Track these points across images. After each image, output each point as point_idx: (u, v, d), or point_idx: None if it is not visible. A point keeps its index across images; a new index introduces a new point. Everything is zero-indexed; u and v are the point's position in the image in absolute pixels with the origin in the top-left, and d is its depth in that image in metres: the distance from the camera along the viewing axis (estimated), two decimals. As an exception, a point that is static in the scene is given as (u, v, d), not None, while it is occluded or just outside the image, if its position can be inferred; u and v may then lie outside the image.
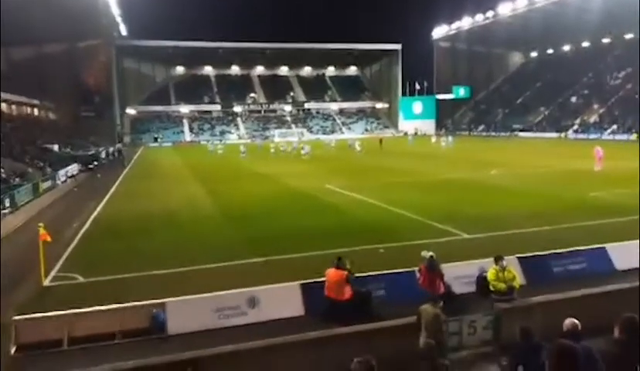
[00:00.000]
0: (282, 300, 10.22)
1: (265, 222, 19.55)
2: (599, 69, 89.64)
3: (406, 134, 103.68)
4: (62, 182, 36.02)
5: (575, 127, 78.58)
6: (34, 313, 9.69)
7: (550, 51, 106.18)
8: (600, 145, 34.13)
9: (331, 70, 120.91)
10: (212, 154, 59.89)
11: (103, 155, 57.96)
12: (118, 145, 75.54)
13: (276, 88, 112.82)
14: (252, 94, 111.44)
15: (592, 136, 69.71)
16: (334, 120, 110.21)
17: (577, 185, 25.47)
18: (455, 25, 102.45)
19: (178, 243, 16.76)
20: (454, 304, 9.93)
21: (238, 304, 9.91)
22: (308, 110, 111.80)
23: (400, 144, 68.57)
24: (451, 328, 8.35)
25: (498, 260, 9.87)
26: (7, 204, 23.43)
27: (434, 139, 64.68)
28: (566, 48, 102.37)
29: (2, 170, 30.34)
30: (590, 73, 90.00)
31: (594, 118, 78.45)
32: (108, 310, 9.71)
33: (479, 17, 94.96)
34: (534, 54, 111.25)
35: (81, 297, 11.19)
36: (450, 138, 65.68)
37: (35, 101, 69.39)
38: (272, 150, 57.51)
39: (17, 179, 29.65)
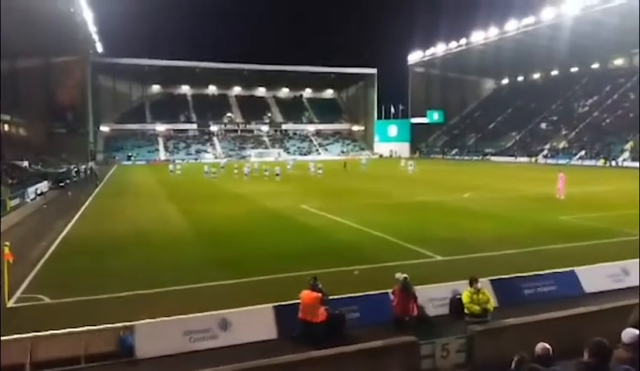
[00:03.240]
0: (254, 322, 10.06)
1: (238, 243, 19.36)
2: (567, 96, 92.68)
3: (381, 156, 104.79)
4: (32, 200, 35.10)
5: (545, 152, 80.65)
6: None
7: (521, 78, 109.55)
8: (567, 170, 34.96)
9: (308, 92, 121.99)
10: (173, 176, 55.71)
11: (74, 173, 56.72)
12: (91, 163, 74.19)
13: (253, 108, 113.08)
14: (229, 114, 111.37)
15: (561, 161, 71.59)
16: (311, 141, 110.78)
17: (547, 209, 26.02)
18: (430, 51, 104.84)
19: (149, 263, 16.42)
20: (427, 326, 9.98)
21: (209, 327, 9.72)
22: (285, 130, 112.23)
23: (369, 167, 68.95)
24: (424, 351, 8.35)
25: (472, 282, 9.94)
26: (-29, 222, 22.64)
27: (402, 163, 62.92)
28: (536, 76, 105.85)
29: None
30: (559, 100, 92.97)
31: (563, 144, 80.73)
32: (74, 332, 9.38)
33: (453, 44, 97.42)
34: (505, 81, 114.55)
35: (47, 319, 10.84)
36: (412, 163, 60.80)
37: (6, 116, 67.81)
38: (235, 172, 55.21)
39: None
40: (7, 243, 12.59)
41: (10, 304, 12.35)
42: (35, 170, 48.39)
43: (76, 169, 59.57)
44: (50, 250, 18.56)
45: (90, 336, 9.35)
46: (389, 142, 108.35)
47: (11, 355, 8.88)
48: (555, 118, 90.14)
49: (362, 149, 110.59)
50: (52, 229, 23.06)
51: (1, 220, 23.99)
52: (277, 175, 48.78)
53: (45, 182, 42.03)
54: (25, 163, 49.29)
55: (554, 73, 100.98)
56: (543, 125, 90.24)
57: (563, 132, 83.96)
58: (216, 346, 9.55)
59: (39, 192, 38.02)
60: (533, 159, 78.28)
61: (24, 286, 13.84)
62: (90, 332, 9.45)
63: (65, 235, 21.73)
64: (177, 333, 9.54)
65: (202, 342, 9.57)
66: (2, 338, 9.21)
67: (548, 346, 5.96)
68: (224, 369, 7.46)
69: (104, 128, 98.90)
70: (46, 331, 9.46)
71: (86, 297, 12.74)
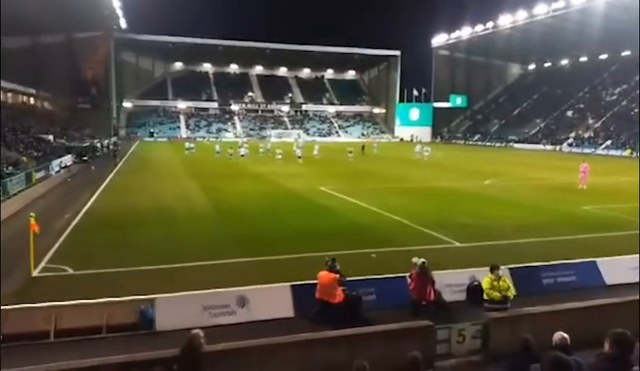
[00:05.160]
0: (272, 300, 10.20)
1: (256, 221, 19.53)
2: (595, 84, 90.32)
3: (401, 139, 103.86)
4: (56, 173, 35.78)
5: (570, 140, 79.07)
6: (21, 303, 9.63)
7: (548, 64, 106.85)
8: (592, 160, 34.24)
9: (330, 73, 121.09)
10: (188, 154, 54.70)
11: (98, 148, 57.56)
12: (114, 138, 75.23)
13: (274, 88, 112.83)
14: (250, 93, 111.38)
15: (586, 150, 70.16)
16: (331, 122, 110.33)
17: (570, 199, 25.60)
18: (455, 34, 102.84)
19: (170, 238, 16.70)
20: (443, 311, 9.98)
21: (227, 303, 9.88)
22: (306, 111, 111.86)
23: (387, 150, 68.26)
24: (440, 335, 8.37)
25: (493, 269, 9.87)
26: (0, 192, 23.23)
27: (417, 148, 59.29)
28: (564, 62, 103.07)
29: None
30: (587, 87, 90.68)
31: (588, 133, 78.99)
32: (96, 303, 9.64)
33: (479, 27, 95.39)
34: (532, 66, 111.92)
35: (70, 289, 11.13)
36: (427, 149, 57.23)
37: (32, 90, 68.93)
38: (261, 150, 55.08)
39: (10, 168, 29.41)
40: (32, 214, 12.90)
41: (35, 273, 12.71)
42: (59, 144, 49.18)
43: (99, 144, 60.46)
44: (74, 223, 18.99)
45: (111, 307, 9.60)
46: (411, 126, 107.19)
47: (36, 323, 9.19)
48: (581, 106, 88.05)
49: (383, 132, 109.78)
50: (76, 202, 23.55)
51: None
52: (299, 157, 47.64)
53: (70, 156, 42.78)
54: (50, 137, 50.14)
55: (583, 59, 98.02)
56: (569, 113, 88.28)
57: (590, 121, 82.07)
58: (233, 322, 9.71)
59: (63, 165, 38.72)
60: (557, 147, 76.83)
61: (48, 256, 14.23)
62: (111, 303, 9.70)
63: (88, 208, 22.19)
64: (196, 307, 9.72)
65: (220, 317, 9.74)
66: (28, 305, 9.55)
67: (566, 335, 5.93)
68: (242, 344, 7.59)
69: (127, 104, 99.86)
70: (70, 300, 9.74)
71: (108, 269, 13.05)
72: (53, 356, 7.79)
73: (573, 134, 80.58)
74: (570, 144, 77.41)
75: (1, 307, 9.35)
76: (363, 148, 62.24)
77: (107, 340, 9.04)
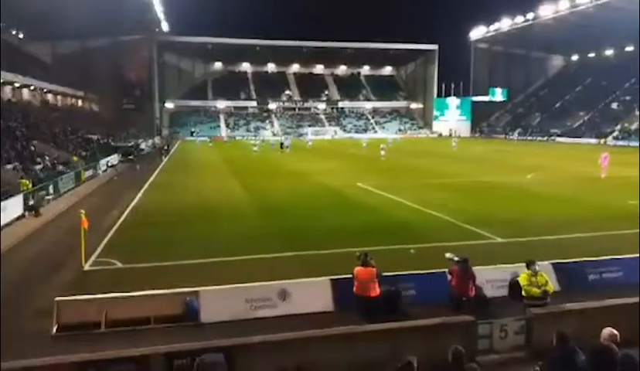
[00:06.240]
0: (312, 294, 10.34)
1: (295, 217, 19.78)
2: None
3: (440, 135, 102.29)
4: (103, 171, 37.20)
5: (615, 133, 75.98)
6: (74, 295, 10.14)
7: (592, 55, 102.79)
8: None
9: (366, 69, 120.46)
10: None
11: (144, 146, 59.47)
12: (157, 138, 77.42)
13: (311, 86, 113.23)
14: (287, 92, 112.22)
15: (633, 143, 67.18)
16: (367, 119, 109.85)
17: (615, 193, 24.70)
18: (494, 26, 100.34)
19: (213, 233, 17.15)
20: (484, 307, 9.87)
21: (269, 296, 10.10)
22: (342, 108, 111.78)
23: (422, 145, 67.30)
24: (481, 331, 8.31)
25: (530, 264, 9.72)
26: (51, 190, 24.41)
27: (454, 143, 61.52)
28: (609, 52, 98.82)
29: (47, 157, 31.58)
30: (633, 78, 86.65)
31: (635, 125, 75.64)
32: (144, 296, 10.04)
33: (519, 18, 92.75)
34: (575, 57, 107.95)
35: (119, 282, 11.62)
36: (456, 140, 62.11)
37: (80, 93, 71.79)
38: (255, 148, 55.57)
39: (60, 167, 30.81)
40: (82, 211, 13.53)
41: (86, 267, 13.32)
42: (105, 144, 51.06)
43: (146, 143, 62.44)
44: (121, 219, 19.73)
45: (158, 299, 9.99)
46: (449, 121, 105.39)
47: (88, 314, 9.65)
48: (627, 98, 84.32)
49: (421, 128, 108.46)
50: (123, 199, 24.43)
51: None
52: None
53: (116, 155, 44.34)
54: (97, 137, 52.11)
55: (629, 49, 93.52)
56: (614, 105, 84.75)
57: (637, 113, 78.54)
58: (275, 315, 9.91)
59: (110, 164, 40.19)
60: (602, 141, 73.92)
61: (98, 251, 14.86)
62: (158, 296, 10.10)
63: (134, 205, 22.99)
64: (239, 300, 9.98)
65: (262, 310, 9.97)
66: (80, 297, 10.05)
67: (615, 332, 5.79)
68: (282, 336, 7.77)
69: (169, 105, 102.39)
70: (119, 292, 10.19)
71: (154, 263, 13.54)
72: (104, 346, 8.20)
73: (618, 127, 77.38)
74: (616, 138, 74.36)
75: (56, 299, 9.90)
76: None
77: (155, 330, 9.39)
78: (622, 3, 72.49)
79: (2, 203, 18.45)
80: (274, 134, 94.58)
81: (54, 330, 9.40)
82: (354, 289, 9.85)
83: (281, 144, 58.27)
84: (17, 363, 6.92)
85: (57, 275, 12.83)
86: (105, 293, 10.21)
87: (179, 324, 9.63)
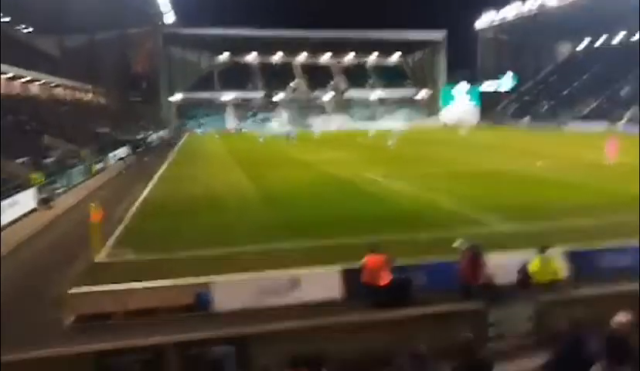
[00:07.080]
0: (322, 283, 10.42)
1: (303, 207, 19.84)
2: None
3: (445, 124, 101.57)
4: (112, 164, 37.43)
5: (625, 119, 75.09)
6: (87, 286, 10.30)
7: (601, 41, 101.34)
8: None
9: (373, 58, 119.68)
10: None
11: (152, 139, 59.71)
12: (165, 130, 77.67)
13: (317, 76, 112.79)
14: (294, 82, 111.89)
15: (645, 129, 66.28)
16: (375, 108, 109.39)
17: (627, 179, 24.47)
18: (501, 14, 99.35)
19: (222, 224, 17.26)
20: (495, 294, 9.87)
21: (280, 286, 10.19)
22: (349, 97, 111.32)
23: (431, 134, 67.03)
24: (492, 318, 8.33)
25: (542, 250, 9.71)
26: (62, 183, 24.68)
27: (463, 132, 62.48)
28: (618, 38, 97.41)
29: (57, 151, 31.85)
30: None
31: (645, 111, 74.64)
32: (156, 286, 10.18)
33: (527, 5, 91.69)
34: (583, 44, 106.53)
35: (131, 273, 11.75)
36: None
37: (87, 86, 72.12)
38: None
39: (70, 160, 31.06)
40: (93, 204, 13.70)
41: (98, 258, 13.49)
42: (114, 136, 51.29)
43: (154, 136, 62.71)
44: (132, 211, 19.92)
45: (170, 290, 10.14)
46: (457, 109, 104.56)
47: (102, 304, 9.81)
48: (637, 84, 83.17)
49: (428, 116, 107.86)
50: (133, 191, 24.63)
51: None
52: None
53: (125, 148, 44.54)
54: (106, 130, 52.36)
55: (638, 35, 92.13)
56: (624, 91, 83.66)
57: (647, 98, 77.50)
58: (285, 304, 9.98)
59: (118, 157, 40.40)
60: (612, 127, 73.03)
61: (110, 242, 15.04)
62: (170, 286, 10.23)
63: (144, 197, 23.18)
64: (250, 289, 10.09)
65: (272, 299, 10.06)
66: (94, 288, 10.20)
67: (628, 317, 5.68)
68: (293, 325, 7.85)
69: (176, 97, 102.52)
70: (131, 283, 10.33)
71: (166, 254, 13.66)
72: (119, 336, 8.31)
73: (628, 113, 76.43)
74: (627, 123, 73.45)
75: (71, 290, 10.06)
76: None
77: (168, 320, 9.50)
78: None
79: (15, 197, 18.68)
80: (281, 125, 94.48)
81: (69, 321, 9.56)
82: (362, 278, 9.90)
83: (287, 134, 58.67)
84: (34, 354, 7.04)
85: (70, 267, 13.00)
86: (117, 283, 10.35)
87: (192, 314, 9.76)
